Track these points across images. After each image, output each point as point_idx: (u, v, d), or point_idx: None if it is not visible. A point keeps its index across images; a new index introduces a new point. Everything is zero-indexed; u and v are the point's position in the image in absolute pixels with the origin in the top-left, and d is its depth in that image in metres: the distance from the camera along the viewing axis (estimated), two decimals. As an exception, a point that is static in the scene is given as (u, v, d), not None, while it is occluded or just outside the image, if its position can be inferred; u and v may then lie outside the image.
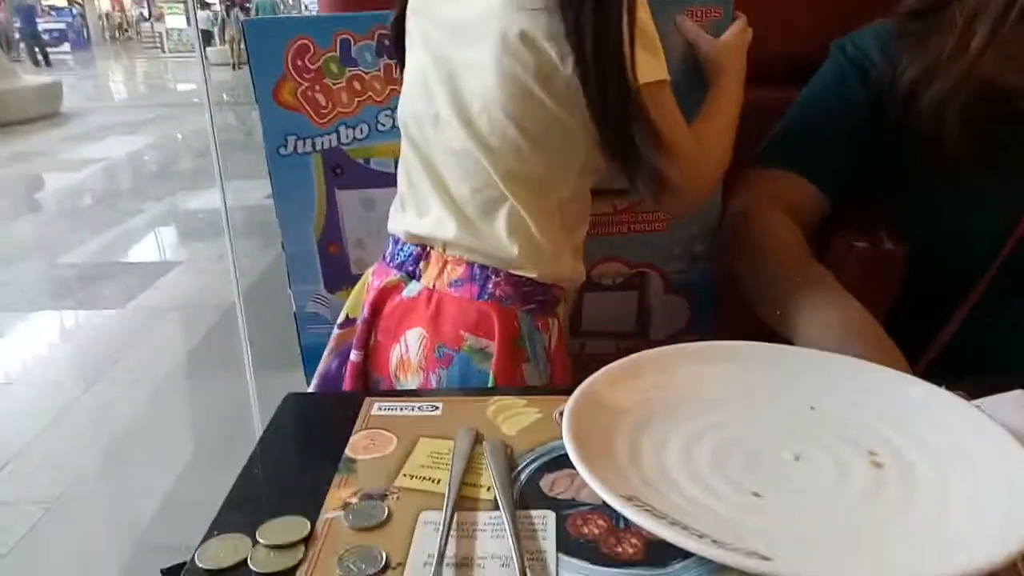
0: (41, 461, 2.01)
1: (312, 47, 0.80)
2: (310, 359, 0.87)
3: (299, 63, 0.81)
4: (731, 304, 0.92)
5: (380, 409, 0.56)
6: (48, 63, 15.05)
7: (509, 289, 0.70)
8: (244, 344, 1.53)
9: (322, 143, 0.84)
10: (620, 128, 0.65)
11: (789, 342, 0.71)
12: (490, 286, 0.69)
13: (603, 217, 0.86)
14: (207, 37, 15.49)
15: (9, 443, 2.07)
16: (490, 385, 0.66)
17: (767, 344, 0.58)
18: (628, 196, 0.86)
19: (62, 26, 20.52)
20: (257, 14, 16.05)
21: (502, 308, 0.69)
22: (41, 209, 5.13)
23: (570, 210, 0.72)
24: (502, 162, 0.68)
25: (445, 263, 0.71)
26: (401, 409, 0.56)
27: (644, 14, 0.65)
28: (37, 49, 15.25)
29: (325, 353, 0.80)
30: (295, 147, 0.84)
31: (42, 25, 18.88)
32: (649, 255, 0.90)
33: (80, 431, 2.18)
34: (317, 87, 0.82)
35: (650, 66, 0.65)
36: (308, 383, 0.87)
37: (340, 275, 0.89)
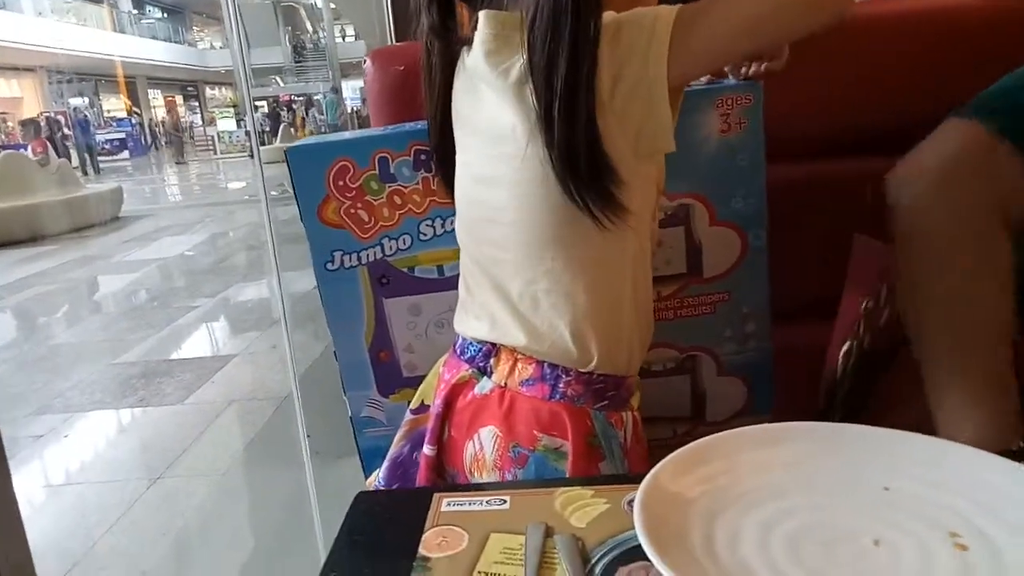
0: (109, 560, 2.04)
1: (352, 167, 0.84)
2: (369, 461, 0.89)
3: (340, 183, 0.84)
4: (790, 382, 0.92)
5: (449, 505, 0.56)
6: (97, 171, 16.03)
7: (580, 388, 0.70)
8: (302, 437, 1.56)
9: (367, 256, 0.87)
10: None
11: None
12: (561, 385, 0.70)
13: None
14: (258, 137, 16.55)
15: (78, 542, 2.11)
16: None
17: (828, 424, 0.57)
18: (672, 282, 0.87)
19: (122, 135, 21.78)
20: (324, 110, 19.09)
21: (574, 407, 0.69)
22: (102, 311, 5.35)
23: (625, 290, 0.71)
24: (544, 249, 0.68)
25: (515, 360, 0.71)
26: (470, 504, 0.56)
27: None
28: (89, 158, 16.31)
29: (397, 437, 0.82)
30: (342, 262, 0.87)
31: (103, 135, 20.15)
32: (699, 338, 0.90)
33: (146, 528, 2.21)
34: (359, 204, 0.85)
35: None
36: (365, 477, 0.88)
37: (392, 380, 0.91)
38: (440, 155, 0.78)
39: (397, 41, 1.95)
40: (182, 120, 28.27)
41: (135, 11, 26.74)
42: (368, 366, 0.91)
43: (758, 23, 0.65)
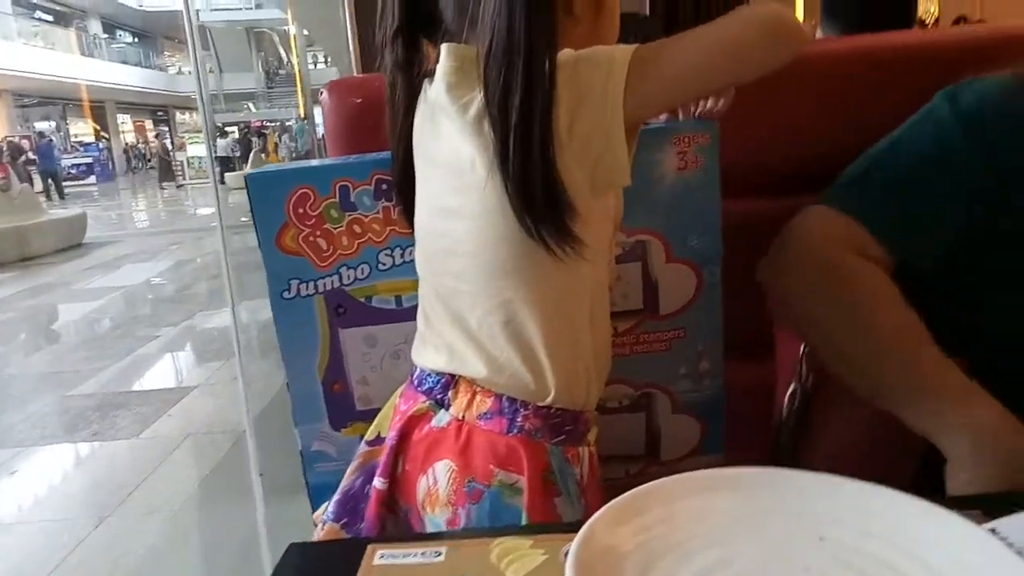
0: (51, 603, 1.96)
1: (312, 195, 0.82)
2: (318, 498, 0.86)
3: (300, 211, 0.83)
4: (742, 419, 0.91)
5: (382, 558, 0.55)
6: (62, 197, 15.87)
7: (538, 422, 0.69)
8: (255, 476, 1.52)
9: (324, 285, 0.85)
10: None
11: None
12: (519, 419, 0.69)
13: (604, 339, 0.87)
14: (227, 163, 16.44)
15: (21, 584, 2.04)
16: (523, 522, 0.66)
17: (770, 469, 0.57)
18: (628, 318, 0.87)
19: (89, 160, 21.50)
20: (294, 137, 19.72)
21: (531, 442, 0.68)
22: (60, 340, 5.22)
23: (583, 324, 0.70)
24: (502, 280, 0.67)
25: (474, 393, 0.70)
26: (404, 557, 0.55)
27: None
28: (53, 184, 16.14)
29: (350, 469, 0.79)
30: (298, 290, 0.85)
31: (70, 160, 19.89)
32: (654, 375, 0.90)
33: (94, 568, 2.13)
34: (318, 232, 0.84)
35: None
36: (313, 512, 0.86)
37: (345, 413, 0.89)
38: (402, 189, 0.78)
39: (363, 71, 1.95)
40: (151, 145, 28.12)
41: (105, 35, 26.59)
42: (321, 398, 0.89)
43: (717, 62, 0.65)
